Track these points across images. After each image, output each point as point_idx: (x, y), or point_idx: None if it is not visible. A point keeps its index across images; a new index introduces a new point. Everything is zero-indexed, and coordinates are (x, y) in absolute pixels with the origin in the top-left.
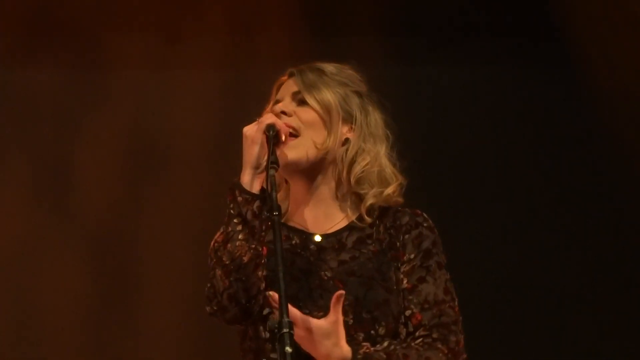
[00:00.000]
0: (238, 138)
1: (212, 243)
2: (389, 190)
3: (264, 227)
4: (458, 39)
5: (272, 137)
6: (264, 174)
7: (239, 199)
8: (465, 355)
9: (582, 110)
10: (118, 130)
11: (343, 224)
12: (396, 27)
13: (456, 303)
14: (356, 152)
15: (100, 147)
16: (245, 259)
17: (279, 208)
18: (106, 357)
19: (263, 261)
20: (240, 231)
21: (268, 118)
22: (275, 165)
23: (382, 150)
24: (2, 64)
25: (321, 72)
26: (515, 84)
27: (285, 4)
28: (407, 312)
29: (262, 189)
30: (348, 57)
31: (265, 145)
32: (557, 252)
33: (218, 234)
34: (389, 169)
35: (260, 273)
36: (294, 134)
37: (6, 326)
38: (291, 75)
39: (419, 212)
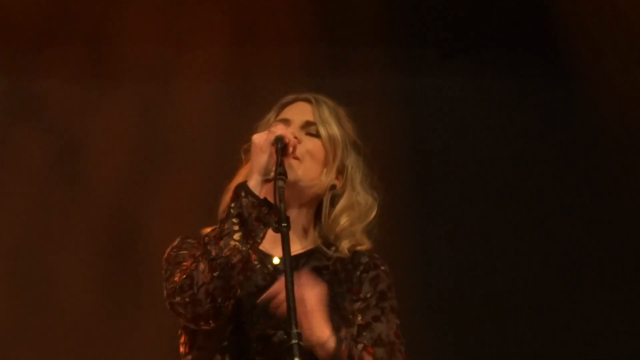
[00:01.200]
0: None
1: (177, 240)
2: (362, 248)
3: (262, 235)
4: (468, 51)
5: (281, 149)
6: (269, 184)
7: (244, 200)
8: None
9: (587, 121)
10: (125, 139)
11: (300, 250)
12: (406, 38)
13: (404, 349)
14: (346, 205)
15: (106, 155)
16: (235, 259)
17: (287, 219)
18: (116, 349)
19: (248, 266)
20: (236, 231)
21: (278, 129)
22: (283, 177)
23: (369, 211)
24: (11, 72)
25: (336, 112)
26: (522, 95)
27: (293, 14)
28: (359, 346)
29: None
30: (357, 67)
31: (273, 155)
32: (561, 256)
33: (209, 229)
34: (365, 232)
35: (241, 277)
36: (296, 157)
37: (15, 318)
38: (306, 100)
39: (377, 255)
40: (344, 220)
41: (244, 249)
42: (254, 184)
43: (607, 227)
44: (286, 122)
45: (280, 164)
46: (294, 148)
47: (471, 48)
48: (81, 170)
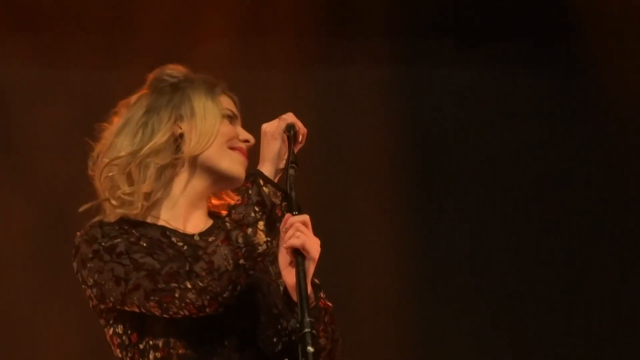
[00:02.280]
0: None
1: (92, 230)
2: None
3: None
4: (481, 41)
5: (293, 137)
6: (280, 173)
7: (265, 189)
8: None
9: (603, 112)
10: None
11: (210, 223)
12: (420, 28)
13: None
14: None
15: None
16: (260, 249)
17: (299, 208)
18: None
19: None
20: (260, 220)
21: (289, 117)
22: (294, 165)
23: None
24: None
25: None
26: (536, 86)
27: (304, 5)
28: None
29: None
30: (369, 58)
31: (286, 142)
32: (566, 250)
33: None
34: None
35: (256, 268)
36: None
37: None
38: (230, 97)
39: None
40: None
41: (268, 239)
42: (268, 172)
43: (622, 221)
44: (235, 117)
45: (292, 152)
46: (304, 136)
47: (484, 39)
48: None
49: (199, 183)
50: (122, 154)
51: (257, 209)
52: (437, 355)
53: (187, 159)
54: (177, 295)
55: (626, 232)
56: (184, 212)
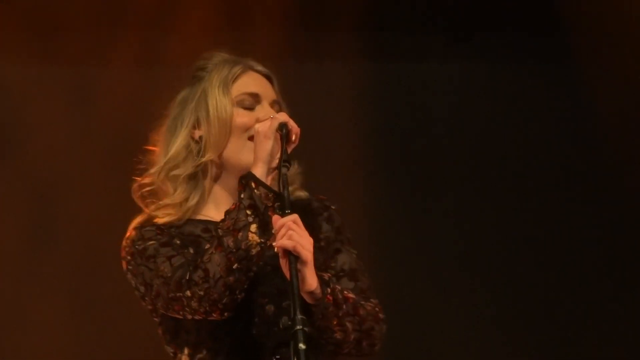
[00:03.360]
0: None
1: (133, 232)
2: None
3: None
4: (472, 35)
5: (285, 136)
6: (274, 172)
7: (256, 192)
8: (382, 316)
9: (594, 105)
10: (107, 126)
11: None
12: (412, 23)
13: (366, 273)
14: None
15: (86, 142)
16: (254, 252)
17: (291, 206)
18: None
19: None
20: (251, 222)
21: (282, 116)
22: (287, 164)
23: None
24: None
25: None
26: (528, 79)
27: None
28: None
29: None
30: (362, 53)
31: (278, 141)
32: (562, 248)
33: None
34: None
35: (255, 268)
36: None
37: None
38: (262, 74)
39: (324, 197)
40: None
41: (261, 240)
42: (260, 173)
43: (618, 218)
44: (256, 98)
45: (285, 151)
46: (297, 135)
47: (476, 33)
48: (50, 166)
49: (231, 179)
50: (152, 170)
51: (248, 212)
52: (435, 353)
53: (210, 160)
54: (184, 303)
55: (623, 229)
56: (227, 205)
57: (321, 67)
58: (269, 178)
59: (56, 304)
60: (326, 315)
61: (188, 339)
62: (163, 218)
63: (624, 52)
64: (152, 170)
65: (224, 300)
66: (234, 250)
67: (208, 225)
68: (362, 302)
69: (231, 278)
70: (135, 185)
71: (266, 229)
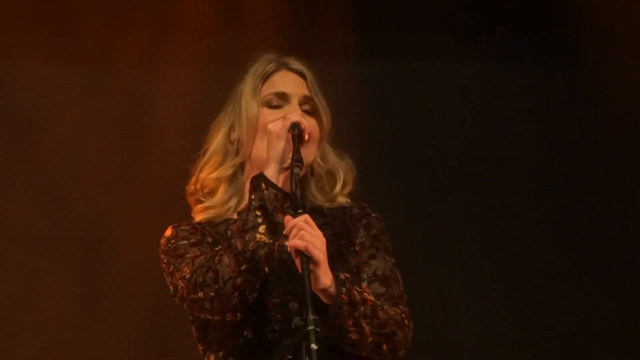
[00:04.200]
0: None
1: (170, 229)
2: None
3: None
4: (483, 36)
5: (297, 136)
6: (287, 172)
7: (266, 192)
8: (411, 324)
9: (604, 106)
10: (105, 127)
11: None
12: (421, 23)
13: (400, 282)
14: (331, 165)
15: (87, 145)
16: (262, 252)
17: (303, 206)
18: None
19: (273, 258)
20: (260, 224)
21: (294, 116)
22: (299, 164)
23: (350, 174)
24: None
25: (314, 75)
26: (540, 80)
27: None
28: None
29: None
30: (371, 52)
31: (290, 142)
32: (573, 248)
33: (199, 215)
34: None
35: (266, 269)
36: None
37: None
38: (295, 71)
39: (366, 204)
40: (335, 187)
41: (270, 242)
42: (271, 173)
43: (626, 218)
44: (284, 97)
45: (297, 151)
46: (310, 135)
47: (485, 34)
48: (61, 163)
49: None
50: (195, 173)
51: (258, 213)
52: (441, 352)
53: (245, 161)
54: (199, 305)
55: (635, 229)
56: None
57: (328, 67)
58: (281, 179)
59: (66, 301)
60: (340, 314)
61: (215, 336)
62: (201, 216)
63: (634, 52)
64: (195, 173)
65: (234, 301)
66: (242, 251)
67: None
68: (385, 307)
69: (239, 279)
70: (188, 187)
71: (276, 230)
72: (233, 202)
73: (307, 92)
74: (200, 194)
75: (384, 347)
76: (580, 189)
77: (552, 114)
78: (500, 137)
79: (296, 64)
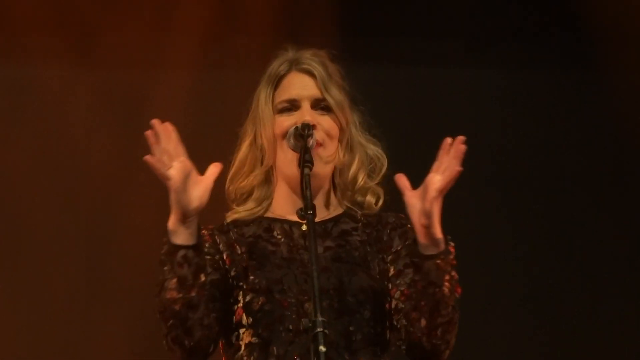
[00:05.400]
0: (212, 139)
1: None
2: (380, 202)
3: (194, 271)
4: (494, 42)
5: (307, 136)
6: (192, 219)
7: (164, 247)
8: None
9: (613, 112)
10: (101, 127)
11: (328, 216)
12: (430, 29)
13: None
14: (359, 164)
15: (90, 143)
16: (177, 307)
17: (313, 207)
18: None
19: (198, 303)
20: (170, 279)
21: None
22: (309, 164)
23: (381, 163)
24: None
25: (329, 71)
26: (547, 85)
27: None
28: (396, 294)
29: (197, 236)
30: (379, 58)
31: (185, 189)
32: (584, 252)
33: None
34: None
35: (198, 315)
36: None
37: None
38: (305, 71)
39: (402, 215)
40: (360, 179)
41: (181, 296)
42: (170, 224)
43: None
44: (294, 103)
45: (306, 152)
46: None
47: (493, 39)
48: (65, 160)
49: (284, 184)
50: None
51: (166, 268)
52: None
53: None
54: None
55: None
56: (288, 206)
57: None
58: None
59: (72, 297)
60: (447, 261)
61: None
62: (233, 216)
63: None
64: (227, 183)
65: (178, 353)
66: (162, 310)
67: (272, 223)
68: None
69: (172, 334)
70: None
71: (184, 281)
72: (265, 205)
73: (317, 93)
74: (236, 201)
75: (439, 331)
76: (588, 193)
77: (560, 119)
78: (508, 142)
79: (305, 62)
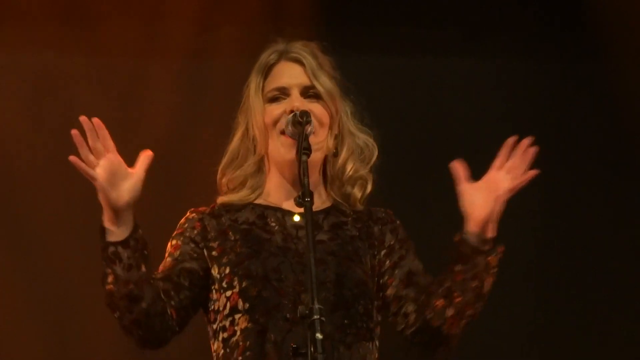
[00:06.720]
0: (201, 132)
1: (185, 216)
2: (368, 189)
3: (127, 266)
4: (491, 31)
5: (305, 123)
6: (125, 213)
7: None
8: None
9: (614, 103)
10: (110, 117)
11: (317, 208)
12: (428, 18)
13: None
14: (349, 153)
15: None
16: (117, 300)
17: (311, 194)
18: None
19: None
20: (108, 274)
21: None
22: (307, 152)
23: (371, 152)
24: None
25: (319, 60)
26: (548, 77)
27: None
28: (393, 283)
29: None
30: (374, 47)
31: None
32: (586, 250)
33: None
34: (367, 170)
35: (143, 307)
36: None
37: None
38: (294, 60)
39: (390, 211)
40: (349, 168)
41: (116, 289)
42: (104, 222)
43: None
44: (283, 91)
45: (304, 139)
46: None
47: (491, 29)
48: (62, 148)
49: (276, 173)
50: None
51: (104, 263)
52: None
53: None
54: None
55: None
56: (281, 194)
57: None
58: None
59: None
60: (496, 259)
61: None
62: (224, 199)
63: None
64: (219, 175)
65: (144, 335)
66: (107, 302)
67: (265, 210)
68: None
69: (125, 322)
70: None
71: (117, 277)
72: (257, 193)
73: (306, 81)
74: (229, 193)
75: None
76: (588, 187)
77: (560, 109)
78: (506, 132)
79: (295, 52)
